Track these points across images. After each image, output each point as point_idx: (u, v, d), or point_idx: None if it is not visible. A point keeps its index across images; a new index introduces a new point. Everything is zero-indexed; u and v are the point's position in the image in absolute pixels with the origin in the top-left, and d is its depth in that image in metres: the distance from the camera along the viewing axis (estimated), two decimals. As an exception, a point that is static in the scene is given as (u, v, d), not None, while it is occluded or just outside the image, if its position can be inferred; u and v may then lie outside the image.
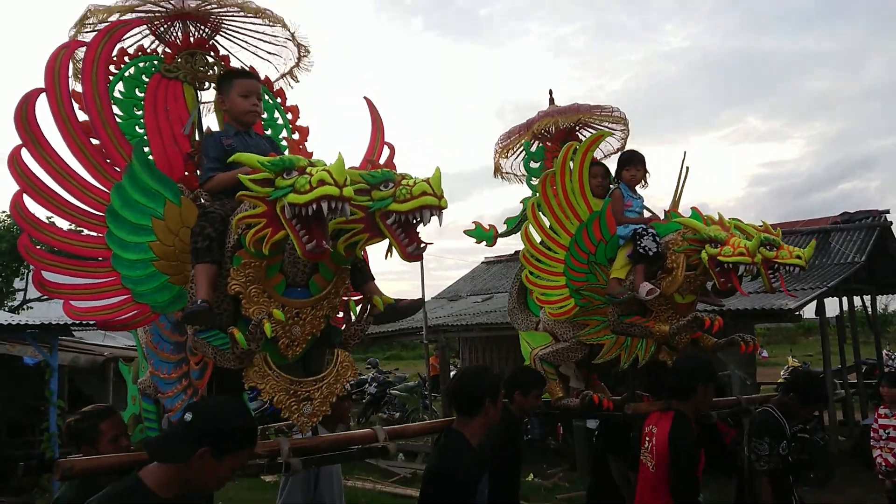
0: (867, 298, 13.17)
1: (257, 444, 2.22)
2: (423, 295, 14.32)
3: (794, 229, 12.00)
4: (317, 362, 2.89)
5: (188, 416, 2.07)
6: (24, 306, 15.34)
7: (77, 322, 9.83)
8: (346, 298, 2.95)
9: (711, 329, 3.84)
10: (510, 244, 20.67)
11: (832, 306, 12.00)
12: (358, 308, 3.03)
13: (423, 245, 2.54)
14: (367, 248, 2.80)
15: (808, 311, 10.81)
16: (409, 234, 2.50)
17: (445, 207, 2.46)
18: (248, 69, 3.45)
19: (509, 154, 4.95)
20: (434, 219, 2.47)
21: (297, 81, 3.70)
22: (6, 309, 13.64)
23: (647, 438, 3.79)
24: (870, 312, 13.25)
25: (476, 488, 2.89)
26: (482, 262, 18.72)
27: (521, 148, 4.83)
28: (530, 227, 4.04)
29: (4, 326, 9.32)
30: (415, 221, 2.46)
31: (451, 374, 15.60)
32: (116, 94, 3.06)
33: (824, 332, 10.93)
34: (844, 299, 12.36)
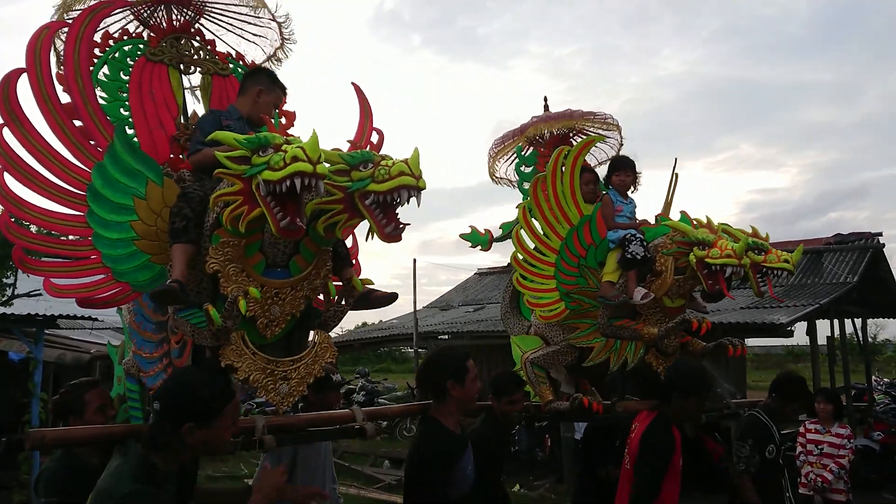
0: (858, 322, 13.23)
1: (237, 393, 2.32)
2: (415, 306, 14.35)
3: (787, 249, 12.07)
4: (299, 344, 2.88)
5: (156, 405, 2.18)
6: (11, 303, 15.21)
7: (63, 315, 9.86)
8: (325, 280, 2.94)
9: (699, 331, 3.84)
10: (506, 257, 20.72)
11: (823, 330, 12.04)
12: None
13: (401, 226, 2.54)
14: (348, 234, 2.85)
15: (800, 334, 10.85)
16: (387, 215, 2.51)
17: (424, 188, 2.47)
18: (240, 63, 3.51)
19: (502, 158, 4.93)
20: (413, 200, 2.48)
21: (280, 62, 3.70)
22: (-6, 304, 13.51)
23: (631, 436, 3.82)
24: (860, 336, 13.29)
25: (456, 467, 2.95)
26: (475, 274, 18.76)
27: (514, 152, 4.82)
28: (521, 230, 4.03)
29: (-10, 317, 9.27)
30: (394, 202, 2.47)
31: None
32: (101, 77, 3.06)
33: (815, 351, 10.95)
34: (836, 323, 12.41)
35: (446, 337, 14.42)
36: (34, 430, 2.46)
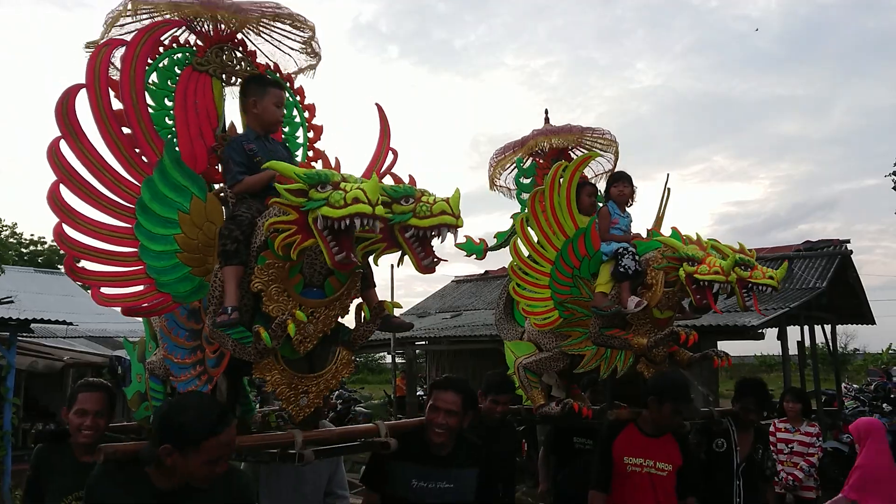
0: (828, 329, 13.60)
1: (224, 434, 2.32)
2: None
3: (759, 256, 12.38)
4: (322, 358, 2.98)
5: (152, 420, 2.27)
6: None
7: (37, 319, 9.74)
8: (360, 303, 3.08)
9: (686, 343, 3.99)
10: (480, 265, 20.88)
11: (794, 337, 12.37)
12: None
13: (436, 260, 2.67)
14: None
15: (772, 341, 11.15)
16: (425, 249, 2.63)
17: (461, 226, 2.61)
18: (277, 76, 3.50)
19: (503, 168, 5.06)
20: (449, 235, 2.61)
21: (313, 71, 3.73)
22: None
23: None
24: (830, 343, 13.66)
25: (399, 467, 3.18)
26: (452, 281, 18.87)
27: (514, 164, 4.95)
28: (519, 241, 4.15)
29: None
30: (432, 237, 2.60)
31: (418, 391, 15.66)
32: (149, 85, 3.08)
33: (786, 356, 11.23)
34: (806, 329, 12.75)
35: (424, 343, 14.50)
36: (106, 445, 2.53)
